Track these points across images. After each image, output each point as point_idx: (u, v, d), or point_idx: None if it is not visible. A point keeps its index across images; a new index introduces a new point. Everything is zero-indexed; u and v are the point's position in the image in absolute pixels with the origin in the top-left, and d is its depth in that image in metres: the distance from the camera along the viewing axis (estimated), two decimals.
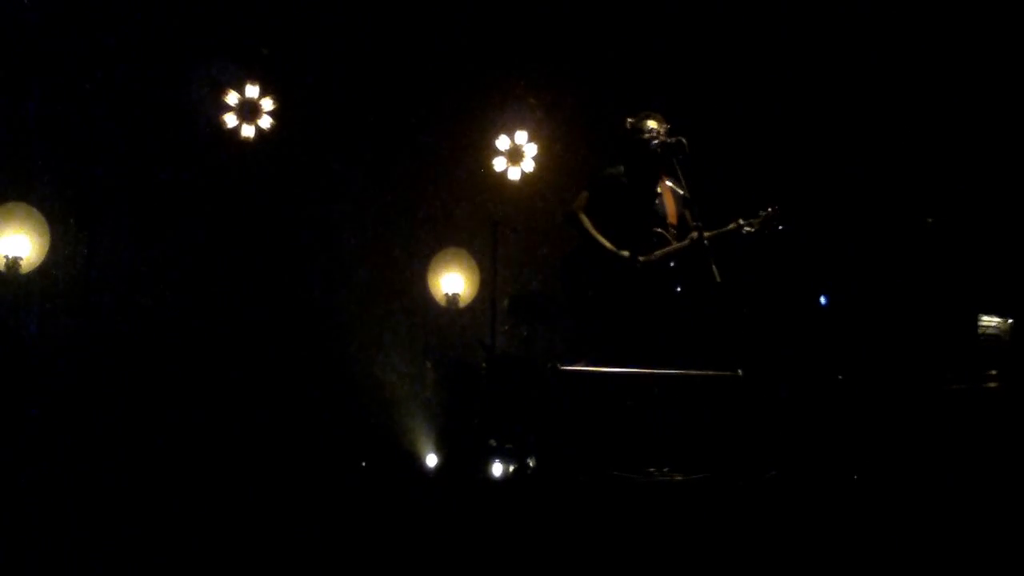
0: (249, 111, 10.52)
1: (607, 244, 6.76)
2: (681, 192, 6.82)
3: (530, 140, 11.36)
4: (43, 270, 9.97)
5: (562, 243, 7.46)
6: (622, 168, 6.99)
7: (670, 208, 6.94)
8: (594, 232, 6.82)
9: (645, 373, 6.01)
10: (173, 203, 10.22)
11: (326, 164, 10.82)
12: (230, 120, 10.47)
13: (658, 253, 6.72)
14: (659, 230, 6.81)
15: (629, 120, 7.01)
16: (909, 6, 9.22)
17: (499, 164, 11.38)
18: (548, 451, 6.58)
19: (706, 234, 6.39)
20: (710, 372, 6.05)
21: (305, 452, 8.52)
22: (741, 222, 6.68)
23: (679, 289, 6.75)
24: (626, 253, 6.70)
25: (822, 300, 9.45)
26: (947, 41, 9.07)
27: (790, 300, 9.43)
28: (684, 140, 6.54)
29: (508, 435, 8.26)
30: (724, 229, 6.65)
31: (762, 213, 6.70)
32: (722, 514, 4.88)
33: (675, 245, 6.75)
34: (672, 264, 6.73)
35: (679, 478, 5.58)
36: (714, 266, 6.10)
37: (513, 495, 6.22)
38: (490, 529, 4.87)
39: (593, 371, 6.05)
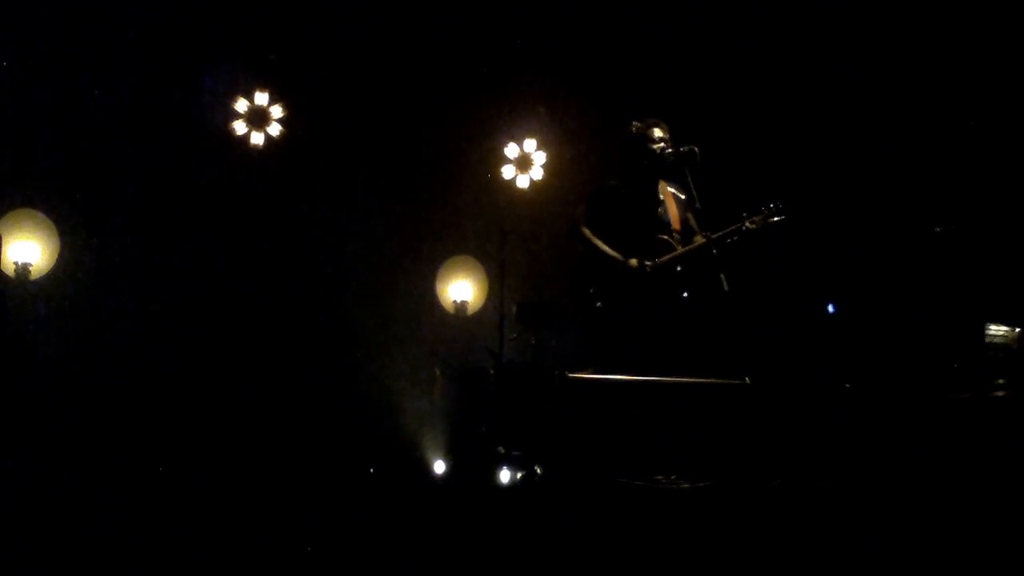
0: (258, 118, 10.55)
1: (613, 254, 6.76)
2: (683, 197, 6.83)
3: (539, 148, 11.38)
4: (52, 276, 10.01)
5: (570, 251, 7.46)
6: (623, 177, 7.00)
7: (673, 214, 6.94)
8: (598, 243, 6.83)
9: (653, 381, 6.01)
10: (182, 210, 10.26)
11: (335, 171, 10.85)
12: (239, 127, 10.50)
13: (665, 258, 6.73)
14: (664, 236, 6.82)
15: (636, 124, 7.00)
16: (919, 10, 9.22)
17: (508, 172, 11.40)
18: (555, 458, 6.58)
19: (711, 238, 6.39)
20: (717, 380, 6.05)
21: (313, 458, 8.53)
22: (744, 216, 6.67)
23: (686, 295, 6.75)
24: (634, 261, 6.71)
25: (830, 308, 9.45)
26: (956, 49, 9.07)
27: (798, 308, 9.43)
28: (696, 149, 6.53)
29: (516, 442, 8.28)
30: (728, 229, 6.64)
31: (764, 209, 6.70)
32: (728, 522, 4.89)
33: (681, 249, 6.76)
34: (679, 268, 6.73)
35: (686, 486, 5.58)
36: (722, 275, 6.10)
37: (521, 502, 6.23)
38: (498, 536, 4.88)
39: (601, 378, 6.05)
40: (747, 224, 6.64)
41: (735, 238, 6.64)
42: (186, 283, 10.17)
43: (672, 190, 7.01)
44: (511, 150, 11.38)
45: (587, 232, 6.91)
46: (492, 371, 9.03)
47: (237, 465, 7.91)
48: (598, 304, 6.85)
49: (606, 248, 6.81)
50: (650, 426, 5.90)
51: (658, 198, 6.96)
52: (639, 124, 6.99)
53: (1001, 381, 7.26)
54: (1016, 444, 6.04)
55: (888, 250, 9.06)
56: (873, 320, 8.90)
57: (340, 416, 9.58)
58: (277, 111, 10.59)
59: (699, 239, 6.67)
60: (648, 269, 6.69)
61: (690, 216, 6.91)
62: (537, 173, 11.38)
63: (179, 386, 9.47)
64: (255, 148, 10.57)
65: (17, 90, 9.73)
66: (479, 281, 11.59)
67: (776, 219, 6.68)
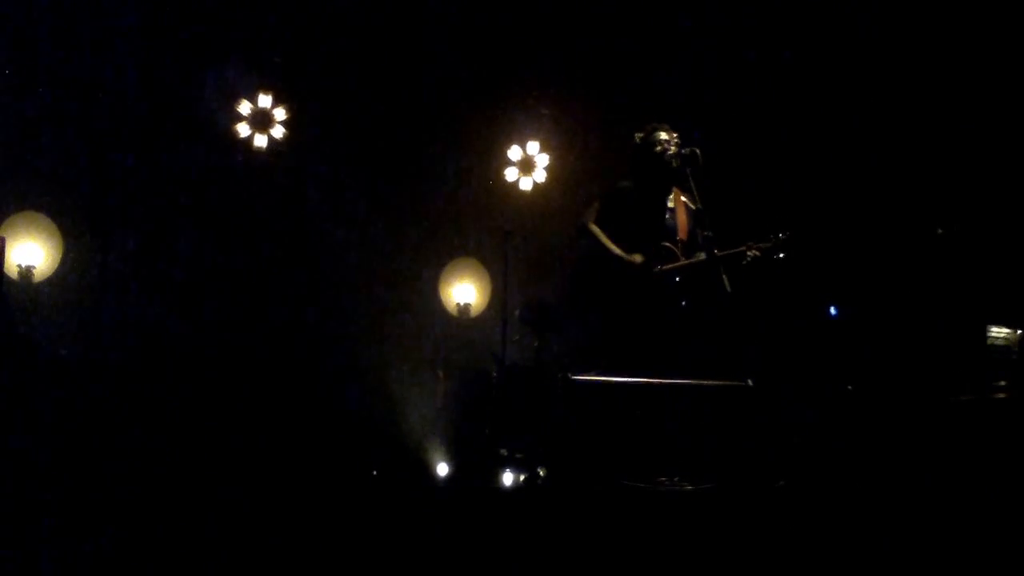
0: (262, 121, 10.57)
1: (620, 253, 6.75)
2: (694, 207, 6.82)
3: (541, 150, 11.40)
4: (56, 279, 10.02)
5: (573, 253, 7.47)
6: (634, 181, 7.00)
7: (681, 223, 6.93)
8: (607, 242, 6.82)
9: (655, 383, 6.02)
10: (185, 212, 10.27)
11: (338, 173, 10.86)
12: (243, 130, 10.52)
13: (667, 267, 6.72)
14: (668, 244, 6.81)
15: (638, 135, 7.01)
16: (920, 17, 9.22)
17: (511, 174, 11.42)
18: (558, 460, 6.59)
19: (715, 255, 6.38)
20: (720, 382, 6.05)
21: (316, 461, 8.54)
22: (751, 244, 6.66)
23: (684, 303, 6.74)
24: (638, 257, 6.69)
25: (832, 311, 9.46)
26: (959, 54, 9.08)
27: (800, 310, 9.44)
28: (698, 151, 6.52)
29: (519, 445, 8.28)
30: (734, 251, 6.63)
31: (772, 238, 6.68)
32: (731, 524, 4.90)
33: (683, 261, 6.75)
34: (678, 279, 6.72)
35: (688, 487, 5.59)
36: (725, 276, 6.10)
37: (523, 504, 6.23)
38: (500, 539, 4.89)
39: (604, 381, 6.06)
40: (751, 251, 6.62)
41: (738, 261, 6.61)
42: (189, 286, 10.18)
43: (685, 200, 7.01)
44: (514, 152, 11.40)
45: (596, 229, 6.90)
46: (495, 373, 9.03)
47: (240, 468, 7.92)
48: (600, 304, 6.86)
49: (612, 246, 6.80)
50: (653, 428, 5.91)
51: (667, 206, 6.97)
52: (641, 134, 7.00)
53: (1003, 383, 7.27)
54: (1017, 446, 6.05)
55: (890, 252, 9.07)
56: (875, 322, 8.91)
57: (343, 418, 9.58)
58: (280, 113, 10.60)
59: (702, 255, 6.66)
60: (653, 270, 6.67)
61: (699, 228, 6.89)
62: (540, 175, 11.40)
63: (182, 389, 9.47)
64: (258, 150, 10.58)
65: (20, 93, 9.75)
66: (482, 283, 11.60)
67: (780, 252, 6.66)
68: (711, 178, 6.54)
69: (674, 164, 6.71)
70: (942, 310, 8.24)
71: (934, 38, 9.15)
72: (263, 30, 10.35)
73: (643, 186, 6.96)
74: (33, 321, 9.69)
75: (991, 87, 8.97)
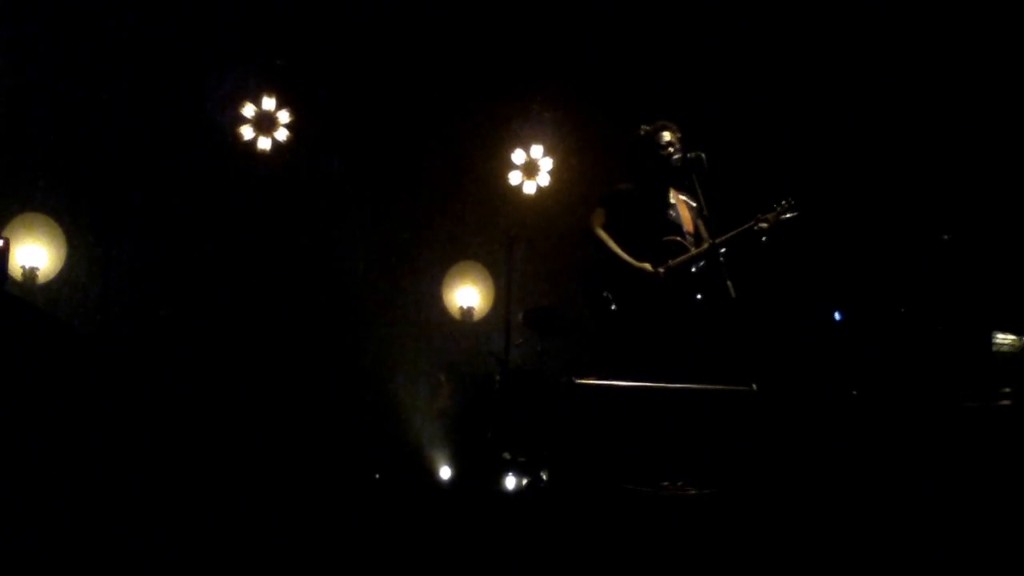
0: (265, 123, 10.57)
1: (628, 258, 6.73)
2: (694, 204, 6.80)
3: (546, 154, 11.39)
4: (60, 281, 10.02)
5: (577, 257, 7.45)
6: (633, 180, 6.97)
7: (685, 217, 6.90)
8: (614, 247, 6.79)
9: (659, 387, 6.00)
10: (189, 215, 10.27)
11: (342, 176, 10.86)
12: (246, 132, 10.52)
13: (677, 260, 6.67)
14: (678, 239, 6.77)
15: (644, 128, 6.99)
16: (931, 17, 9.21)
17: (515, 178, 11.40)
18: (561, 464, 6.58)
19: (724, 238, 6.36)
20: (724, 387, 6.04)
21: (319, 465, 8.54)
22: (759, 216, 6.61)
23: (699, 297, 6.68)
24: (646, 265, 6.67)
25: (836, 316, 9.45)
26: (969, 58, 9.06)
27: (804, 315, 9.43)
28: (703, 155, 6.51)
29: (522, 448, 8.28)
30: (741, 228, 6.59)
31: (776, 207, 6.64)
32: (734, 529, 4.89)
33: (694, 251, 6.69)
34: (693, 270, 6.67)
35: (692, 492, 5.58)
36: (729, 282, 6.08)
37: (526, 508, 6.23)
38: (503, 542, 4.89)
39: (607, 385, 6.05)
40: (759, 224, 6.60)
41: (749, 238, 6.57)
42: (192, 288, 10.18)
43: (684, 197, 6.98)
44: (518, 156, 11.39)
45: (602, 235, 6.86)
46: (498, 377, 9.03)
47: (244, 471, 7.92)
48: (613, 307, 6.82)
49: (620, 252, 6.77)
50: (656, 432, 5.90)
51: (668, 202, 6.94)
52: (647, 127, 6.98)
53: (1007, 390, 7.24)
54: (1021, 452, 6.04)
55: (895, 257, 9.06)
56: (879, 328, 8.90)
57: (346, 422, 9.57)
58: (284, 116, 10.61)
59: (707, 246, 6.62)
60: (660, 275, 6.65)
61: (701, 223, 6.88)
62: (544, 179, 11.39)
63: (185, 391, 9.46)
64: (262, 153, 10.58)
65: (25, 95, 9.75)
66: (485, 287, 11.60)
67: (789, 216, 6.63)
68: (716, 182, 6.53)
69: (677, 167, 6.70)
70: (947, 315, 8.23)
71: (938, 39, 9.14)
72: (267, 32, 10.34)
73: (643, 184, 6.94)
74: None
75: (996, 91, 8.96)
